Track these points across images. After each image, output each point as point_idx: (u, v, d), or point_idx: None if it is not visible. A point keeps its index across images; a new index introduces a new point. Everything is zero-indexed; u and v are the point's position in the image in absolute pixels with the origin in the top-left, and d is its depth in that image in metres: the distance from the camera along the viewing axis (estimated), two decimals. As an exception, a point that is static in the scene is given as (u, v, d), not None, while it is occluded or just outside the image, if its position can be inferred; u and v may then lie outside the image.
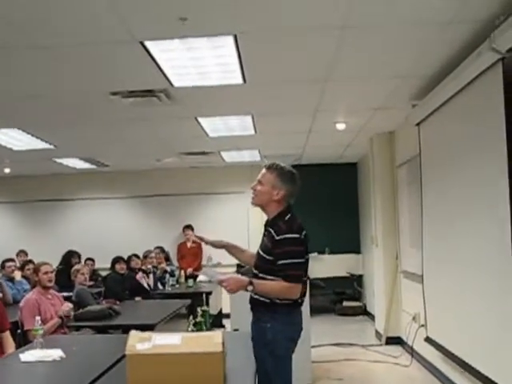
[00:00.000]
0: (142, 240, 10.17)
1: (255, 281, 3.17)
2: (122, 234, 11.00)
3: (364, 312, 10.65)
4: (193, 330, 4.15)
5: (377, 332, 8.53)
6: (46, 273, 5.37)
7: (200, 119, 6.68)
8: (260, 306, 3.27)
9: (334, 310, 10.82)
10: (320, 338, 7.54)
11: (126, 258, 8.29)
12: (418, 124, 6.11)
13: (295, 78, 5.16)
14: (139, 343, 2.51)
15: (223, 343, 2.54)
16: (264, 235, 3.39)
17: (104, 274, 8.55)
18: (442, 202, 5.45)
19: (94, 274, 8.71)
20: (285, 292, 3.16)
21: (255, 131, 7.47)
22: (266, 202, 3.37)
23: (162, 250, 9.86)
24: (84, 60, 4.41)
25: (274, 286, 3.17)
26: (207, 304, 7.45)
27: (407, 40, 4.20)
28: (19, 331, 5.07)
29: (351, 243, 11.14)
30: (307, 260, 3.32)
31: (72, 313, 5.40)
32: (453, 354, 5.17)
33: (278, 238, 3.20)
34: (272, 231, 3.25)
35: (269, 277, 3.20)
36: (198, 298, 7.51)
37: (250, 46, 4.19)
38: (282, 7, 3.54)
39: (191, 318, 4.37)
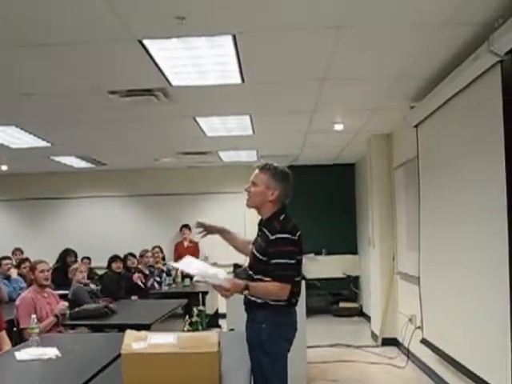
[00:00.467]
0: (139, 239, 10.17)
1: (251, 284, 3.16)
2: (118, 232, 10.99)
3: (360, 313, 10.66)
4: (189, 330, 4.15)
5: (373, 333, 8.54)
6: (43, 271, 5.36)
7: (198, 119, 6.68)
8: (254, 307, 3.27)
9: (330, 310, 10.81)
10: (316, 339, 7.55)
11: (122, 256, 8.28)
12: (415, 126, 6.12)
13: (294, 79, 5.16)
14: (135, 342, 2.50)
15: (219, 343, 2.54)
16: (258, 235, 3.38)
17: (100, 272, 8.53)
18: (440, 204, 5.46)
19: (90, 273, 8.69)
20: (276, 292, 3.15)
21: (253, 131, 7.47)
22: (261, 203, 3.36)
23: (160, 249, 9.85)
24: (82, 58, 4.40)
25: (268, 287, 3.16)
26: (203, 304, 7.45)
27: (405, 41, 4.20)
28: (15, 329, 5.07)
29: (348, 244, 11.15)
30: (300, 260, 3.31)
31: (67, 311, 5.39)
32: (448, 356, 5.17)
33: (272, 237, 3.20)
34: (266, 231, 3.25)
35: (266, 278, 3.19)
36: (194, 298, 7.51)
37: (248, 46, 4.18)
38: (281, 7, 3.54)
39: (187, 317, 4.37)
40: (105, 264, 8.14)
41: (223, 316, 6.86)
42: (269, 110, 6.43)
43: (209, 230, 3.69)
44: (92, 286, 6.85)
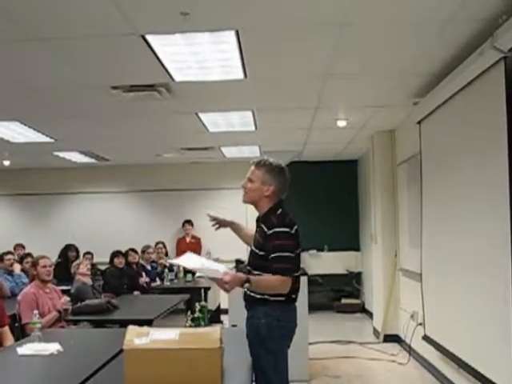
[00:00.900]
0: (141, 235, 10.20)
1: (252, 278, 3.16)
2: (121, 228, 11.00)
3: (362, 309, 10.66)
4: (191, 326, 4.15)
5: (375, 330, 8.54)
6: (45, 266, 5.37)
7: (200, 114, 6.67)
8: (254, 303, 3.27)
9: (332, 307, 10.82)
10: (318, 335, 7.55)
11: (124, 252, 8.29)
12: (419, 122, 6.11)
13: (296, 74, 5.15)
14: (137, 338, 2.50)
15: (221, 339, 2.53)
16: (256, 231, 3.39)
17: (103, 268, 8.55)
18: (442, 201, 5.45)
19: (92, 268, 8.70)
20: (278, 286, 3.14)
21: (256, 127, 7.46)
22: (258, 199, 3.37)
23: (163, 245, 9.86)
24: (85, 53, 4.39)
25: (269, 280, 3.15)
26: (205, 299, 7.45)
27: (408, 37, 4.19)
28: (17, 324, 5.08)
29: (350, 240, 11.15)
30: (299, 254, 3.31)
31: (70, 306, 5.40)
32: (450, 353, 5.17)
33: (269, 232, 3.20)
34: (264, 226, 3.26)
35: (265, 274, 3.19)
36: (196, 293, 7.51)
37: (251, 42, 4.17)
38: (284, 4, 3.53)
39: (189, 313, 4.37)
40: (107, 259, 8.16)
41: (225, 312, 6.88)
42: (271, 106, 6.42)
43: (221, 223, 3.70)
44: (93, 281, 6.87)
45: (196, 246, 10.42)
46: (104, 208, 11.40)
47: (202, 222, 10.17)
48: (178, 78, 5.05)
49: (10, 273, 7.63)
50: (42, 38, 3.99)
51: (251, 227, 3.59)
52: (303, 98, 6.06)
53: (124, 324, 3.22)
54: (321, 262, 10.87)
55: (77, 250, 9.55)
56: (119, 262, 7.98)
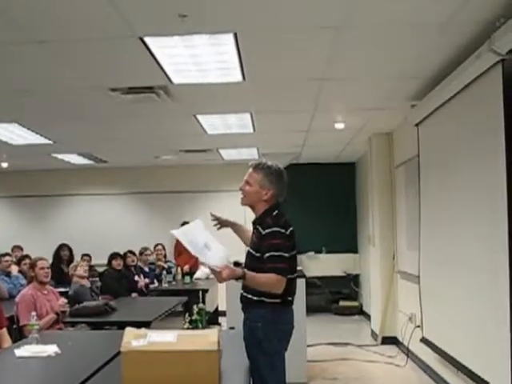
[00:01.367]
0: (139, 236, 10.18)
1: (248, 273, 3.13)
2: (119, 230, 11.00)
3: (360, 312, 10.66)
4: (189, 328, 4.15)
5: (373, 332, 8.54)
6: (43, 268, 5.36)
7: (199, 116, 6.67)
8: (250, 305, 3.28)
9: (330, 309, 10.82)
10: (316, 338, 7.55)
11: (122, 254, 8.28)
12: (417, 124, 6.11)
13: (294, 77, 5.15)
14: (134, 340, 2.50)
15: (219, 341, 2.54)
16: (252, 233, 3.39)
17: (101, 270, 8.54)
18: (440, 203, 5.45)
19: (90, 270, 8.69)
20: (272, 283, 3.11)
21: (254, 129, 7.46)
22: (255, 202, 3.39)
23: (162, 246, 9.85)
24: (83, 55, 4.39)
25: (264, 277, 3.13)
26: (203, 301, 7.44)
27: (407, 40, 4.19)
28: (15, 326, 5.07)
29: (348, 243, 11.15)
30: (294, 256, 3.31)
31: (67, 308, 5.40)
32: (448, 355, 5.17)
33: (264, 232, 3.21)
34: (259, 227, 3.27)
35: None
36: (194, 296, 7.50)
37: (249, 44, 4.18)
38: (282, 6, 3.54)
39: (187, 315, 4.37)
40: (105, 261, 8.15)
41: (223, 314, 6.87)
42: (270, 109, 6.42)
43: (223, 223, 3.70)
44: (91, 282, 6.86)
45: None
46: (102, 210, 11.39)
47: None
48: (176, 80, 5.06)
49: (8, 274, 7.62)
50: (40, 40, 3.99)
51: (251, 229, 3.59)
52: (301, 101, 6.07)
53: (122, 326, 3.23)
54: (319, 264, 10.87)
55: (70, 250, 9.52)
56: (117, 263, 7.97)
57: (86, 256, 9.37)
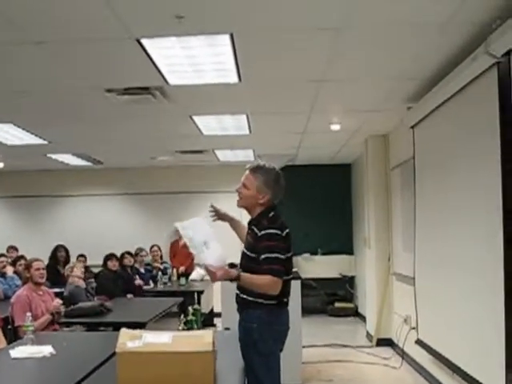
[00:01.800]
0: (135, 237, 10.17)
1: (243, 274, 3.13)
2: (115, 231, 10.98)
3: (355, 313, 10.66)
4: (184, 329, 4.14)
5: (368, 333, 8.55)
6: (38, 269, 5.36)
7: (195, 117, 6.67)
8: (246, 306, 3.28)
9: (325, 310, 10.81)
10: (311, 339, 7.55)
11: (118, 255, 8.28)
12: (412, 126, 6.13)
13: (291, 78, 5.16)
14: (130, 341, 2.50)
15: (214, 342, 2.54)
16: (248, 233, 3.38)
17: (96, 271, 8.53)
18: (435, 205, 5.47)
19: (86, 271, 8.68)
20: (267, 284, 3.10)
21: (250, 131, 7.46)
22: (252, 205, 3.38)
23: (158, 248, 9.85)
24: (80, 56, 4.39)
25: (259, 279, 3.12)
26: (199, 303, 7.45)
27: (406, 40, 4.19)
28: (10, 327, 5.06)
29: (344, 244, 11.15)
30: (290, 258, 3.31)
31: (62, 309, 5.39)
32: (443, 357, 5.18)
33: (260, 234, 3.21)
34: (255, 229, 3.26)
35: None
36: (189, 297, 7.52)
37: (246, 45, 4.18)
38: (279, 7, 3.54)
39: (182, 316, 4.36)
40: (101, 262, 8.14)
41: (218, 315, 6.87)
42: (266, 110, 6.43)
43: (222, 216, 3.70)
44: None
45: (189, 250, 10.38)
46: (98, 211, 11.37)
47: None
48: (172, 81, 5.06)
49: (3, 275, 7.60)
50: (36, 42, 3.99)
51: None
52: (297, 102, 6.07)
53: (117, 327, 3.22)
54: (314, 266, 10.86)
55: (66, 251, 9.50)
56: (113, 264, 7.97)
57: (82, 257, 9.37)
